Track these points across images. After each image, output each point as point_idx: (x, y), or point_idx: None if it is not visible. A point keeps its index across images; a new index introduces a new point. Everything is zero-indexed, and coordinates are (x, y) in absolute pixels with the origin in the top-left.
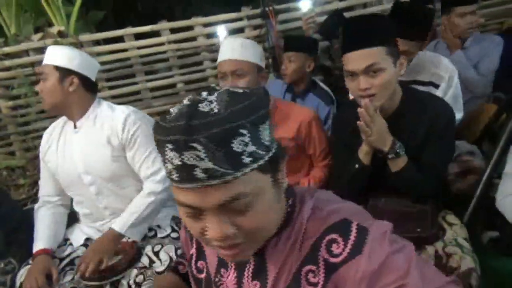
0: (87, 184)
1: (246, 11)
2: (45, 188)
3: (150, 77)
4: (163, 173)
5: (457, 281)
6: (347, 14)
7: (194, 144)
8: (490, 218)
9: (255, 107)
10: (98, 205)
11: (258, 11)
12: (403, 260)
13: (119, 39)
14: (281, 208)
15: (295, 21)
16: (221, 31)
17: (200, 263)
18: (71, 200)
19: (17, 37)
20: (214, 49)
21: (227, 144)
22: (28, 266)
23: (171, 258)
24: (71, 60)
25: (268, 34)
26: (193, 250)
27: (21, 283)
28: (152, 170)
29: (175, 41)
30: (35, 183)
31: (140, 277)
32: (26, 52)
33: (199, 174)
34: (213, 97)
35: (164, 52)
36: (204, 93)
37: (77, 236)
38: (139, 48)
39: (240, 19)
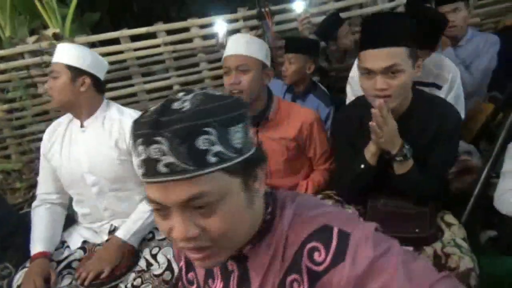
0: (89, 184)
1: (242, 12)
2: (44, 185)
3: (147, 79)
4: None
5: (449, 275)
6: (343, 15)
7: (159, 138)
8: (488, 218)
9: (226, 109)
10: (98, 205)
11: (254, 12)
12: (388, 263)
13: (115, 41)
14: (254, 214)
15: (291, 22)
16: (220, 27)
17: (191, 275)
18: (70, 200)
19: (11, 39)
20: (210, 51)
21: (191, 141)
22: (25, 270)
23: (169, 261)
24: (83, 60)
25: (264, 35)
26: (182, 263)
27: (18, 286)
28: None
29: (171, 43)
30: (31, 187)
31: (138, 280)
32: (21, 55)
33: (162, 168)
34: (189, 97)
35: (161, 53)
36: (181, 94)
37: (74, 239)
38: (135, 50)
39: (236, 20)
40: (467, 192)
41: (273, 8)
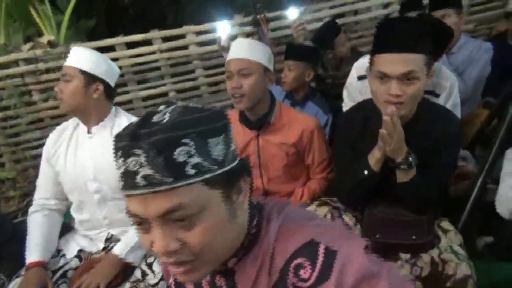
0: (92, 191)
1: (238, 18)
2: (43, 190)
3: (142, 86)
4: None
5: None
6: (337, 21)
7: (136, 150)
8: (485, 223)
9: (206, 120)
10: (98, 213)
11: (250, 18)
12: (377, 286)
13: (111, 48)
14: (237, 227)
15: (287, 29)
16: (222, 30)
17: None
18: (67, 207)
19: (6, 47)
20: (206, 57)
21: (169, 152)
22: (19, 278)
23: None
24: (98, 66)
25: (260, 42)
26: (171, 280)
27: None
28: None
29: (167, 50)
30: (25, 195)
31: None
32: (15, 63)
33: (140, 181)
34: (169, 109)
35: (156, 60)
36: (163, 106)
37: (70, 247)
38: (131, 57)
39: (232, 26)
40: (463, 197)
41: (269, 15)
